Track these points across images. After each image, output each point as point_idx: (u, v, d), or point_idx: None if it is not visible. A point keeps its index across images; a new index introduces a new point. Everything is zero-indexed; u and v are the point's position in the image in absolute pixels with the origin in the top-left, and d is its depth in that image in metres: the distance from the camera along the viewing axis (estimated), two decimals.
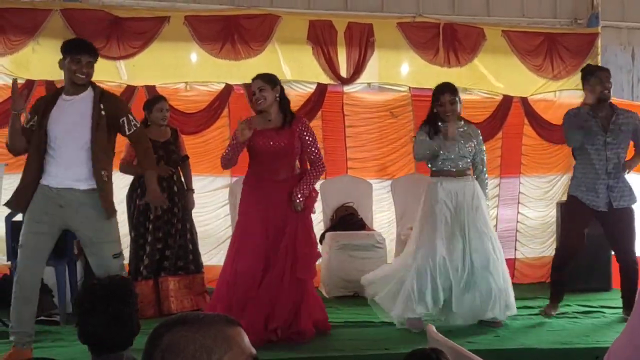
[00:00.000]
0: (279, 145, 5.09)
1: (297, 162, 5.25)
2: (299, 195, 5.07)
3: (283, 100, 5.20)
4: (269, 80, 5.16)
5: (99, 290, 2.56)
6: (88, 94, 4.60)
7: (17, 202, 4.67)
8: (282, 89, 5.23)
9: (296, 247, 5.04)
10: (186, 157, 6.25)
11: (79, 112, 4.54)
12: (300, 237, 5.08)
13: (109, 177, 4.64)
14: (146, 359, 1.46)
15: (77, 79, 4.53)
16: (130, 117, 4.72)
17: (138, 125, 4.77)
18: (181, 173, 6.27)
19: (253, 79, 5.23)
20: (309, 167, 5.27)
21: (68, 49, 4.59)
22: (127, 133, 4.70)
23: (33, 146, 4.58)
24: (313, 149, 5.20)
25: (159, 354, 1.44)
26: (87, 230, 4.55)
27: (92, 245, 4.56)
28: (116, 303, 2.51)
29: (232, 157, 5.16)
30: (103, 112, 4.56)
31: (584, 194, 5.65)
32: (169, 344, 1.44)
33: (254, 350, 1.49)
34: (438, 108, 5.52)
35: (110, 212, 4.58)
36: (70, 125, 4.53)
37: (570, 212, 5.80)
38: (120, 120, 4.64)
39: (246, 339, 1.49)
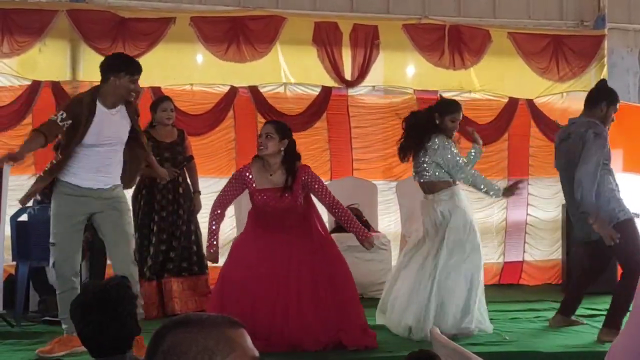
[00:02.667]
0: (281, 206, 4.90)
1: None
2: (363, 233, 4.98)
3: (288, 156, 4.93)
4: (278, 129, 4.91)
5: (92, 295, 2.55)
6: (123, 107, 4.84)
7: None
8: (291, 143, 4.94)
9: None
10: (191, 158, 6.23)
11: (119, 124, 4.78)
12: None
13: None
14: (149, 359, 1.46)
15: (131, 97, 4.80)
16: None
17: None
18: (187, 175, 6.27)
19: (265, 123, 5.13)
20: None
21: (127, 66, 4.75)
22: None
23: (64, 146, 4.75)
24: (325, 197, 4.97)
25: (160, 355, 1.43)
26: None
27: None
28: (111, 307, 2.50)
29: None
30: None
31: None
32: (171, 345, 1.43)
33: (256, 353, 1.48)
34: (449, 124, 5.42)
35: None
36: (113, 135, 4.75)
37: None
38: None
39: (249, 340, 1.48)
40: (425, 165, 5.39)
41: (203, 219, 6.51)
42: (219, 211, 4.99)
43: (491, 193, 5.59)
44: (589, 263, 5.60)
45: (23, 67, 6.95)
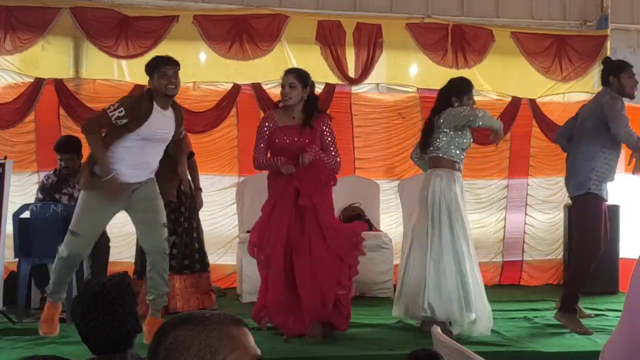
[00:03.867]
0: (300, 143, 4.98)
1: None
2: (311, 152, 4.95)
3: (310, 101, 5.06)
4: (301, 78, 5.02)
5: (93, 294, 2.56)
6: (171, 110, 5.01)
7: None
8: (312, 89, 5.10)
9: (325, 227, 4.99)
10: (191, 154, 6.23)
11: (168, 125, 4.95)
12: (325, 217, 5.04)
13: None
14: (151, 356, 1.46)
15: (169, 91, 4.88)
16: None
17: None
18: (188, 172, 6.27)
19: (286, 72, 5.12)
20: None
21: (153, 66, 4.92)
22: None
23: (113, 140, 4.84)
24: (331, 149, 5.13)
25: (162, 352, 1.44)
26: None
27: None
28: (108, 306, 2.51)
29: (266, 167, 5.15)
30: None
31: (604, 189, 5.53)
32: (173, 342, 1.43)
33: (259, 351, 1.48)
34: (468, 101, 5.39)
35: None
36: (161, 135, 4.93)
37: (594, 210, 5.50)
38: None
39: (251, 339, 1.49)
40: (436, 138, 5.34)
41: (204, 216, 6.54)
42: (263, 160, 5.07)
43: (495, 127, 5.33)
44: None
45: (26, 64, 6.97)
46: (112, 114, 4.73)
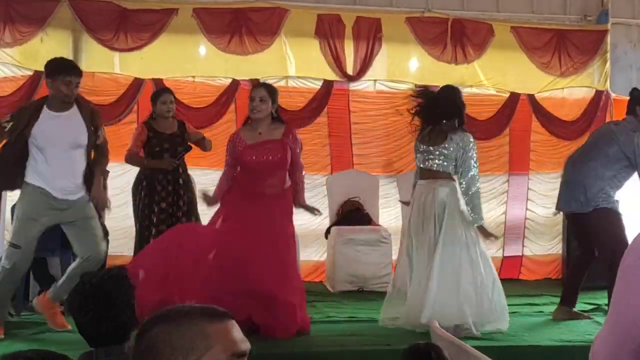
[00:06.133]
0: (271, 159, 5.02)
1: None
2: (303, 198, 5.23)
3: (277, 118, 5.17)
4: (271, 93, 5.11)
5: (89, 286, 2.56)
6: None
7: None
8: (278, 107, 5.20)
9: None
10: (189, 147, 6.21)
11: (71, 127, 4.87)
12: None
13: None
14: (133, 357, 1.45)
15: (66, 99, 4.83)
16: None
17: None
18: (187, 166, 6.27)
19: (257, 85, 5.23)
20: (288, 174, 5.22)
21: (57, 69, 4.84)
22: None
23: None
24: (298, 160, 5.21)
25: (139, 356, 1.42)
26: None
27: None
28: (105, 299, 2.51)
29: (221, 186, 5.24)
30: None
31: (612, 202, 5.52)
32: (147, 345, 1.41)
33: (243, 346, 1.43)
34: (459, 127, 5.30)
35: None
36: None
37: (609, 216, 5.49)
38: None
39: (233, 333, 1.43)
40: (440, 152, 5.23)
41: (204, 212, 6.53)
42: (224, 183, 5.22)
43: (472, 214, 5.20)
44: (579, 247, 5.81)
45: (25, 57, 6.95)
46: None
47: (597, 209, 5.42)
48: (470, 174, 5.20)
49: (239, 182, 5.15)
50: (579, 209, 5.52)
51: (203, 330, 1.40)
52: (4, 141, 4.93)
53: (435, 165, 5.23)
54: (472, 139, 5.26)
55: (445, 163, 5.21)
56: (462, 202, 5.21)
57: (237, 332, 1.44)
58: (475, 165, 5.25)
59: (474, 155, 5.23)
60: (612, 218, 5.46)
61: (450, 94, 5.40)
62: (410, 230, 5.34)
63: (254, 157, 5.03)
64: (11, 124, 4.79)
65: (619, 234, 5.37)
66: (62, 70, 4.81)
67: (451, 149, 5.18)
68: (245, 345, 1.43)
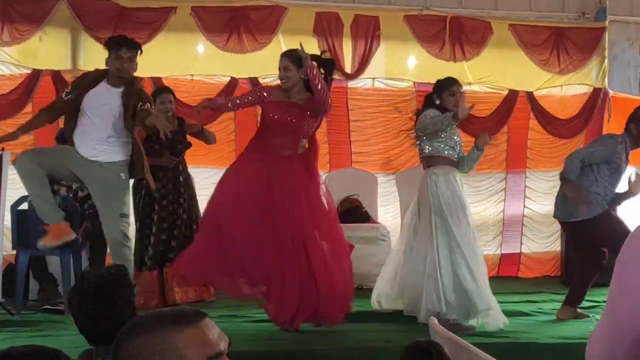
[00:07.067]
0: (287, 120, 4.98)
1: (305, 142, 5.14)
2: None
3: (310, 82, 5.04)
4: (294, 59, 5.01)
5: (89, 284, 2.56)
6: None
7: None
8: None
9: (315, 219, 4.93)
10: (189, 144, 6.23)
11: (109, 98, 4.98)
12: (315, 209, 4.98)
13: None
14: None
15: (120, 73, 4.97)
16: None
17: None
18: (187, 164, 6.28)
19: (281, 55, 5.15)
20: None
21: (111, 44, 5.05)
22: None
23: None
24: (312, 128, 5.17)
25: None
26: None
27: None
28: (105, 297, 2.51)
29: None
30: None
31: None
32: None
33: (217, 347, 1.39)
34: (449, 98, 5.34)
35: None
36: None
37: (608, 220, 5.53)
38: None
39: (206, 336, 1.38)
40: (418, 140, 5.35)
41: (202, 208, 6.54)
42: (229, 104, 5.22)
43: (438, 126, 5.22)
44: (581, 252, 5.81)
45: (23, 55, 6.95)
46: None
47: (598, 216, 5.47)
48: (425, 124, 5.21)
49: (253, 143, 5.11)
50: (585, 216, 5.53)
51: (173, 343, 1.36)
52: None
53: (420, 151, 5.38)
54: (432, 114, 5.24)
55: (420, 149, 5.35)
56: (432, 188, 5.22)
57: (211, 333, 1.40)
58: (430, 120, 5.19)
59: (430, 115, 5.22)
60: (610, 220, 5.52)
61: (434, 89, 5.48)
62: None
63: (271, 113, 5.01)
64: (70, 95, 4.97)
65: (622, 229, 5.41)
66: (113, 46, 4.98)
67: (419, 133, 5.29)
68: (221, 344, 1.40)
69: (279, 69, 5.08)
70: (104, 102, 4.94)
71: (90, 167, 4.95)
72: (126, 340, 1.40)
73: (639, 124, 5.55)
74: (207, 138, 6.28)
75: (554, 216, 5.89)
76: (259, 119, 6.38)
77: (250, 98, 5.18)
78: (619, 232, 5.27)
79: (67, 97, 5.01)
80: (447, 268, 5.09)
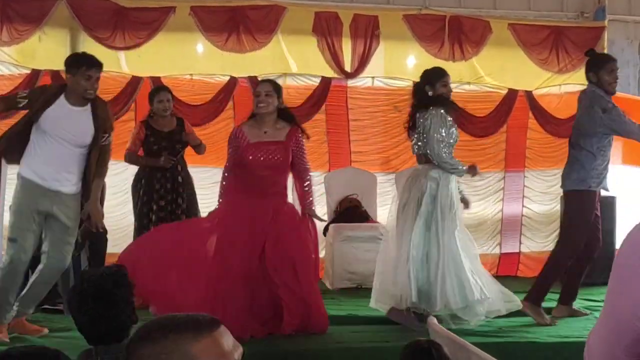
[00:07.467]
0: (273, 160, 4.97)
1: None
2: (311, 204, 5.10)
3: (285, 111, 5.11)
4: (276, 88, 5.07)
5: (89, 284, 2.56)
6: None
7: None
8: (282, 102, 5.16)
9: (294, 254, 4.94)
10: (187, 144, 6.22)
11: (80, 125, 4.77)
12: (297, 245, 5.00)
13: None
14: None
15: (87, 94, 4.74)
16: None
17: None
18: (186, 163, 6.28)
19: (262, 81, 5.17)
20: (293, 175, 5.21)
21: (78, 63, 4.77)
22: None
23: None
24: (303, 160, 5.13)
25: None
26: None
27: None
28: (104, 297, 2.51)
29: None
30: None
31: (603, 184, 5.52)
32: None
33: (233, 357, 1.36)
34: (442, 89, 5.32)
35: None
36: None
37: (589, 208, 5.50)
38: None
39: (222, 344, 1.35)
40: (416, 137, 5.33)
41: (201, 208, 6.54)
42: (227, 174, 5.13)
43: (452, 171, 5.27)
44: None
45: (23, 55, 6.95)
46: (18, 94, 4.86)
47: (588, 191, 5.46)
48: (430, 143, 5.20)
49: (239, 181, 5.08)
50: (574, 186, 5.54)
51: (189, 352, 1.32)
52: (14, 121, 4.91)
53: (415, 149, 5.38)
54: (435, 113, 5.22)
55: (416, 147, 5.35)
56: (431, 187, 5.21)
57: (227, 341, 1.37)
58: (436, 135, 5.20)
59: (437, 130, 5.20)
60: (589, 211, 5.50)
61: (421, 80, 5.48)
62: None
63: (256, 157, 4.95)
64: (26, 101, 4.72)
65: (582, 233, 5.48)
66: (83, 64, 4.71)
67: (419, 129, 5.27)
68: (236, 353, 1.37)
69: (258, 94, 5.02)
70: (70, 125, 4.71)
71: (52, 198, 4.72)
72: (140, 347, 1.35)
73: (595, 68, 5.46)
74: (199, 151, 6.31)
75: (561, 186, 5.80)
76: None
77: (233, 155, 5.07)
78: (583, 226, 5.33)
79: (21, 105, 4.75)
80: (419, 257, 5.13)
